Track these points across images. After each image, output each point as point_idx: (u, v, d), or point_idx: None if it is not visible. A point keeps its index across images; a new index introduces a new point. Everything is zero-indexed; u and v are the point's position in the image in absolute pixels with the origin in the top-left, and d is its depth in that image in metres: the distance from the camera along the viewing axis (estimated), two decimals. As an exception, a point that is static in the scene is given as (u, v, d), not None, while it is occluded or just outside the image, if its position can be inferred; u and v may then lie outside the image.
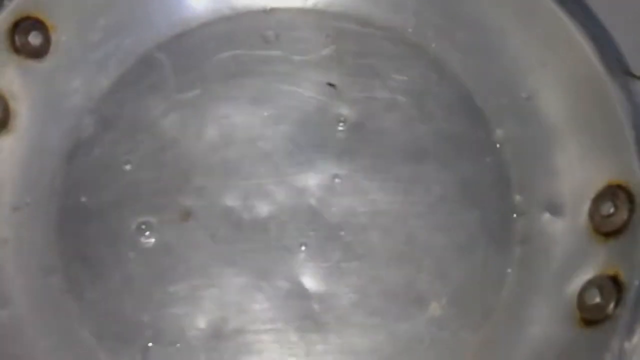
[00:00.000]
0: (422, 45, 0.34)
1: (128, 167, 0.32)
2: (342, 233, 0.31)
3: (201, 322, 0.30)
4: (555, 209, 0.30)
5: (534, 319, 0.29)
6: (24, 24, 0.30)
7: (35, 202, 0.31)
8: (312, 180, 0.32)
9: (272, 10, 0.34)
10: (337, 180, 0.32)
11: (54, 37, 0.31)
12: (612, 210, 0.28)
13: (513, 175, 0.32)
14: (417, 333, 0.30)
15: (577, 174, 0.30)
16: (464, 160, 0.32)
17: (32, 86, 0.32)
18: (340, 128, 0.33)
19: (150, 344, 0.29)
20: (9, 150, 0.31)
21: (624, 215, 0.27)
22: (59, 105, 0.32)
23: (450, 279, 0.30)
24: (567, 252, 0.29)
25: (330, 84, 0.34)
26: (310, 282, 0.31)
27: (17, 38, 0.30)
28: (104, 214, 0.31)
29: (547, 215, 0.31)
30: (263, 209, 0.32)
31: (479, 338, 0.30)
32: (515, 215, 0.31)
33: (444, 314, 0.30)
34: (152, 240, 0.31)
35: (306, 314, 0.30)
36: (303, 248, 0.31)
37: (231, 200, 0.32)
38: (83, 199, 0.31)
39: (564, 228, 0.30)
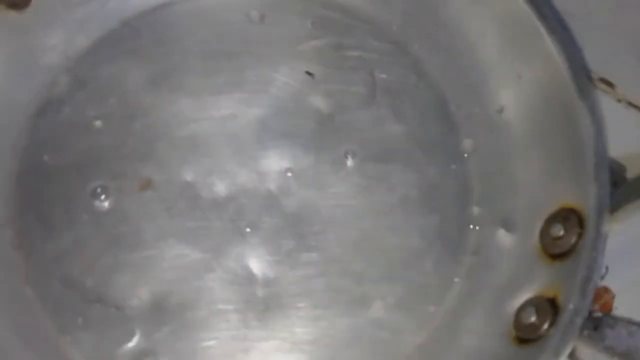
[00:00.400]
0: (405, 44, 0.34)
1: (94, 129, 0.32)
2: (298, 223, 0.31)
3: (144, 293, 0.30)
4: (509, 225, 0.30)
5: (471, 331, 0.29)
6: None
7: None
8: (275, 166, 0.32)
9: (260, -8, 0.34)
10: (300, 169, 0.32)
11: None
12: (562, 232, 0.28)
13: (475, 186, 0.32)
14: (357, 329, 0.30)
15: (535, 193, 0.30)
16: (430, 165, 0.32)
17: (8, 37, 0.31)
18: (311, 118, 0.33)
19: (91, 308, 0.29)
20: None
21: (572, 239, 0.27)
22: (34, 60, 0.32)
23: (397, 280, 0.31)
24: (514, 269, 0.30)
25: (309, 73, 0.34)
26: (258, 267, 0.31)
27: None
28: (63, 174, 0.31)
29: (501, 231, 0.30)
30: (222, 188, 0.32)
31: (417, 342, 0.30)
32: (471, 226, 0.31)
33: (386, 315, 0.30)
34: (107, 205, 0.31)
35: (250, 298, 0.30)
36: (257, 233, 0.31)
37: (192, 176, 0.32)
38: (45, 157, 0.31)
39: (515, 245, 0.30)
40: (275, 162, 0.32)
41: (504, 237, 0.30)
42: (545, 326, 0.26)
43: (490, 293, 0.29)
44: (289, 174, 0.32)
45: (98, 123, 0.32)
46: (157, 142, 0.32)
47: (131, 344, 0.29)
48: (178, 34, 0.33)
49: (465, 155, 0.32)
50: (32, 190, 0.31)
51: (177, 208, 0.31)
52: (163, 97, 0.32)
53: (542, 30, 0.29)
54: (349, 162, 0.32)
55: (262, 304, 0.30)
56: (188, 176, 0.31)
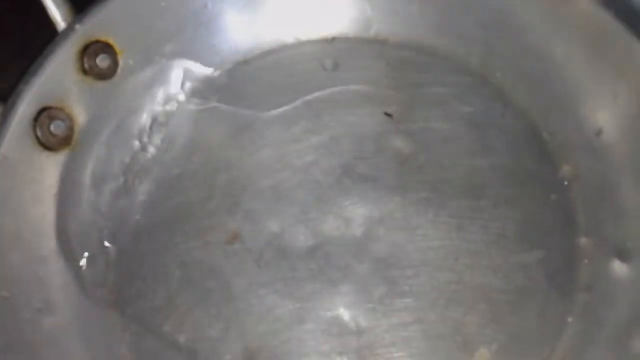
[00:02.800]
0: (486, 75, 0.33)
1: (182, 187, 0.32)
2: (388, 268, 0.30)
3: (237, 347, 0.29)
4: (624, 255, 0.27)
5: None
6: (93, 47, 0.32)
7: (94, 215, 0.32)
8: (361, 211, 0.31)
9: (334, 40, 0.34)
10: (387, 213, 0.31)
11: (121, 61, 0.33)
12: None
13: (580, 215, 0.29)
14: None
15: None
16: (526, 198, 0.30)
17: (98, 106, 0.33)
18: (394, 159, 0.32)
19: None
20: (72, 168, 0.32)
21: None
22: (124, 125, 0.33)
23: (502, 324, 0.28)
24: (635, 303, 0.26)
25: (387, 114, 0.33)
26: (350, 316, 0.29)
27: (85, 60, 0.32)
28: (154, 233, 0.31)
29: (615, 261, 0.27)
30: (309, 237, 0.31)
31: (531, 392, 0.27)
32: (580, 260, 0.28)
33: (493, 362, 0.27)
34: (198, 260, 0.31)
35: (344, 349, 0.29)
36: (347, 280, 0.30)
37: (278, 226, 0.31)
38: (137, 217, 0.32)
39: (633, 275, 0.27)
40: (360, 207, 0.31)
41: (619, 268, 0.27)
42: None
43: (611, 331, 0.26)
44: (376, 218, 0.30)
45: (185, 181, 0.32)
46: (242, 194, 0.32)
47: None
48: (256, 87, 0.34)
49: (565, 183, 0.30)
50: (126, 248, 0.31)
51: (265, 259, 0.30)
52: (244, 150, 0.33)
53: (636, 44, 0.27)
54: (437, 202, 0.30)
55: (357, 356, 0.28)
56: (274, 226, 0.31)
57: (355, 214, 0.31)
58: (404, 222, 0.30)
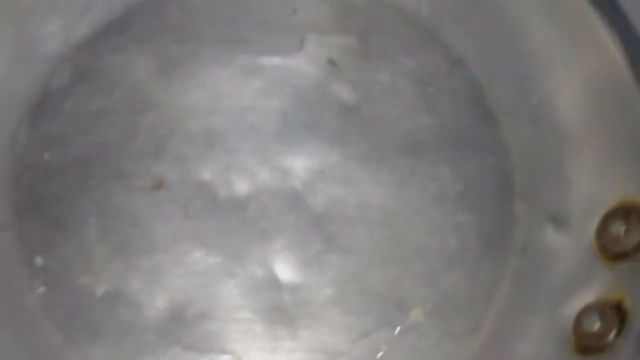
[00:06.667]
0: (435, 29, 0.31)
1: (99, 124, 0.29)
2: (326, 223, 0.28)
3: (160, 302, 0.27)
4: (559, 222, 0.28)
5: (524, 339, 0.26)
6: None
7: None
8: (299, 162, 0.29)
9: (278, -26, 0.31)
10: (327, 165, 0.29)
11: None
12: (623, 230, 0.25)
13: (517, 180, 0.29)
14: (395, 338, 0.27)
15: (588, 186, 0.28)
16: (466, 159, 0.30)
17: (4, 24, 0.28)
18: (335, 110, 0.30)
19: (102, 320, 0.26)
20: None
21: (635, 237, 0.25)
22: (32, 49, 0.29)
23: (437, 284, 0.28)
24: (569, 270, 0.27)
25: (331, 61, 0.31)
26: (285, 271, 0.28)
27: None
28: (66, 173, 0.28)
29: (550, 228, 0.28)
30: (243, 187, 0.29)
31: (462, 351, 0.27)
32: (515, 224, 0.28)
33: (426, 322, 0.27)
34: (117, 207, 0.28)
35: (277, 305, 0.27)
36: (281, 234, 0.28)
37: (209, 174, 0.29)
38: (46, 155, 0.28)
39: (567, 243, 0.28)
40: (299, 158, 0.29)
41: (554, 234, 0.27)
42: (612, 335, 0.24)
43: (544, 297, 0.27)
44: (314, 171, 0.29)
45: (103, 117, 0.29)
46: (169, 137, 0.29)
47: (147, 359, 0.26)
48: (189, 19, 0.30)
49: (505, 148, 0.29)
50: (33, 190, 0.28)
51: (193, 209, 0.28)
52: (174, 89, 0.29)
53: (592, 14, 0.26)
54: (377, 157, 0.29)
55: (290, 312, 0.27)
56: (204, 174, 0.29)
57: (293, 164, 0.29)
58: (344, 176, 0.29)
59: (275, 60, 0.31)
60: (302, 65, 0.31)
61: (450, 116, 0.31)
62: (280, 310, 0.28)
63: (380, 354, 0.28)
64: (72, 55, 0.30)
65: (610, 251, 0.26)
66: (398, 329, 0.28)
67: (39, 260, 0.27)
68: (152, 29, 0.31)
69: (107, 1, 0.31)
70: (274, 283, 0.28)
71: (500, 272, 0.28)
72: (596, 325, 0.25)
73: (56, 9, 0.30)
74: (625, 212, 0.26)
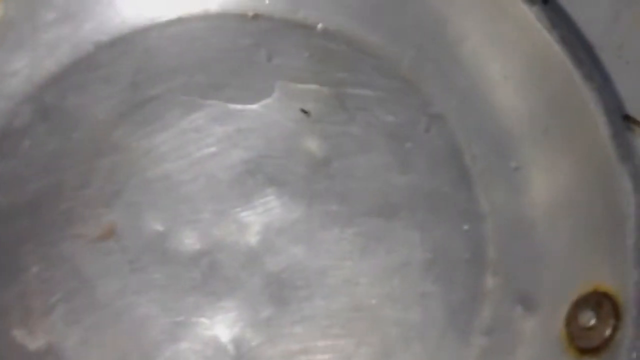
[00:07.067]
0: (415, 83, 0.29)
1: (55, 167, 0.28)
2: (281, 286, 0.26)
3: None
4: (529, 303, 0.26)
5: None
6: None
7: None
8: (260, 217, 0.27)
9: (256, 17, 0.30)
10: (288, 223, 0.27)
11: (0, 10, 0.27)
12: (593, 321, 0.23)
13: (490, 251, 0.27)
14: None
15: (561, 268, 0.25)
16: (438, 224, 0.28)
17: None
18: (304, 162, 0.28)
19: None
20: None
21: (605, 331, 0.22)
22: (-5, 85, 0.28)
23: (394, 362, 0.25)
24: (535, 358, 0.24)
25: (304, 111, 0.29)
26: (231, 338, 0.26)
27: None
28: (15, 217, 0.27)
29: (519, 308, 0.25)
30: (196, 241, 0.27)
31: None
32: (483, 300, 0.26)
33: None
34: (61, 256, 0.26)
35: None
36: (232, 294, 0.26)
37: (162, 225, 0.27)
38: (-1, 197, 0.27)
39: (535, 327, 0.25)
40: (260, 213, 0.27)
41: (521, 317, 0.25)
42: None
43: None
44: (275, 228, 0.27)
45: (59, 160, 0.27)
46: (125, 183, 0.28)
47: None
48: (159, 62, 0.29)
49: (480, 215, 0.27)
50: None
51: (141, 262, 0.27)
52: (135, 132, 0.28)
53: (577, 77, 0.24)
54: (344, 217, 0.27)
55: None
56: (157, 225, 0.27)
57: (253, 220, 0.27)
58: (306, 236, 0.27)
59: (246, 107, 0.30)
60: (273, 113, 0.30)
61: (425, 176, 0.29)
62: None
63: None
64: (35, 94, 0.29)
65: (578, 344, 0.23)
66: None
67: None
68: (118, 68, 0.30)
69: (75, 39, 0.30)
70: (219, 351, 0.26)
71: (464, 352, 0.26)
72: None
73: (23, 46, 0.29)
74: (596, 301, 0.23)
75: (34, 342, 0.25)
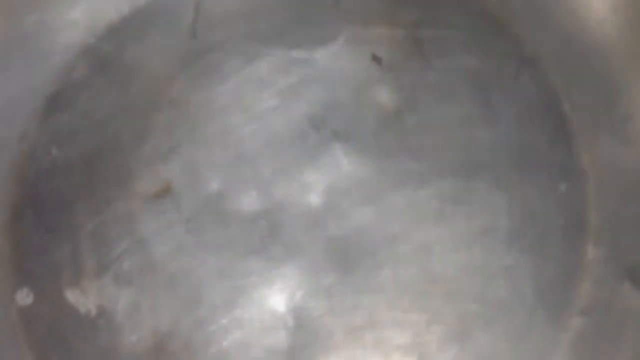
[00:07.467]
0: (505, 22, 0.25)
1: (112, 121, 0.26)
2: (345, 252, 0.24)
3: (146, 328, 0.24)
4: (639, 277, 0.21)
5: None
6: None
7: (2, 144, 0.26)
8: (324, 176, 0.25)
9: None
10: (355, 182, 0.24)
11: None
12: None
13: (592, 217, 0.23)
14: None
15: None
16: (528, 185, 0.24)
17: (24, 11, 0.26)
18: (373, 116, 0.25)
19: (81, 344, 0.24)
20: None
21: None
22: (52, 38, 0.27)
23: (471, 343, 0.22)
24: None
25: (375, 57, 0.26)
26: (289, 307, 0.24)
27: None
28: (71, 172, 0.26)
29: (626, 284, 0.21)
30: (255, 201, 0.25)
31: None
32: (582, 274, 0.22)
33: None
34: (116, 213, 0.25)
35: (274, 347, 0.24)
36: (291, 260, 0.24)
37: (220, 183, 0.25)
38: (54, 151, 0.26)
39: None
40: (324, 171, 0.25)
41: (630, 293, 0.21)
42: None
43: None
44: (340, 187, 0.24)
45: (117, 114, 0.26)
46: (183, 139, 0.26)
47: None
48: (219, 8, 0.27)
49: (580, 174, 0.23)
50: (34, 189, 0.26)
51: (197, 222, 0.25)
52: (194, 85, 0.26)
53: None
54: (418, 177, 0.24)
55: (287, 356, 0.23)
56: (215, 183, 0.25)
57: (317, 179, 0.25)
58: (375, 197, 0.24)
59: (310, 55, 0.27)
60: (340, 61, 0.27)
61: (514, 130, 0.25)
62: (277, 353, 0.23)
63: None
64: (94, 45, 0.28)
65: None
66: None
67: (28, 266, 0.25)
68: (178, 16, 0.28)
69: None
70: (275, 320, 0.24)
71: (557, 336, 0.22)
72: None
73: (80, -5, 0.28)
74: None
75: (85, 305, 0.24)
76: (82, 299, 0.24)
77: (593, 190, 0.24)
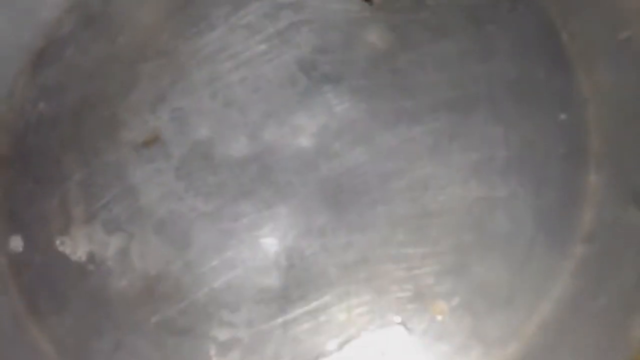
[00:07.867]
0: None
1: (99, 73, 0.26)
2: (338, 192, 0.23)
3: (136, 272, 0.24)
4: (645, 200, 0.20)
5: (579, 350, 0.19)
6: None
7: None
8: (315, 119, 0.24)
9: None
10: (347, 123, 0.24)
11: None
12: None
13: (593, 143, 0.22)
14: (407, 339, 0.21)
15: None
16: (527, 116, 0.23)
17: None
18: (366, 56, 0.24)
19: (71, 289, 0.23)
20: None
21: None
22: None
23: (469, 275, 0.22)
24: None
25: (366, -3, 0.25)
26: (282, 248, 0.23)
27: None
28: (59, 124, 0.25)
29: (630, 209, 0.20)
30: (245, 145, 0.24)
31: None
32: (584, 201, 0.21)
33: (450, 321, 0.21)
34: (105, 162, 0.24)
35: (267, 288, 0.23)
36: (284, 201, 0.23)
37: (208, 130, 0.25)
38: (41, 105, 0.26)
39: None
40: (315, 113, 0.24)
41: (635, 217, 0.20)
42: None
43: (610, 300, 0.19)
44: (332, 128, 0.24)
45: (104, 66, 0.25)
46: (170, 87, 0.25)
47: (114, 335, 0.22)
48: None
49: (580, 101, 0.22)
50: (23, 141, 0.25)
51: (186, 168, 0.24)
52: (181, 34, 0.26)
53: None
54: (413, 114, 0.23)
55: (280, 296, 0.22)
56: (203, 130, 0.25)
57: (307, 121, 0.24)
58: (367, 136, 0.24)
59: (296, -3, 0.26)
60: (330, 4, 0.26)
61: (511, 62, 0.24)
62: (269, 293, 0.23)
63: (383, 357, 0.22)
64: (81, 1, 0.27)
65: None
66: (412, 327, 0.22)
67: (18, 215, 0.25)
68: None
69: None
70: (268, 261, 0.23)
71: (558, 264, 0.21)
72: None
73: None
74: None
75: (76, 252, 0.24)
76: (71, 245, 0.24)
77: (593, 117, 0.23)
